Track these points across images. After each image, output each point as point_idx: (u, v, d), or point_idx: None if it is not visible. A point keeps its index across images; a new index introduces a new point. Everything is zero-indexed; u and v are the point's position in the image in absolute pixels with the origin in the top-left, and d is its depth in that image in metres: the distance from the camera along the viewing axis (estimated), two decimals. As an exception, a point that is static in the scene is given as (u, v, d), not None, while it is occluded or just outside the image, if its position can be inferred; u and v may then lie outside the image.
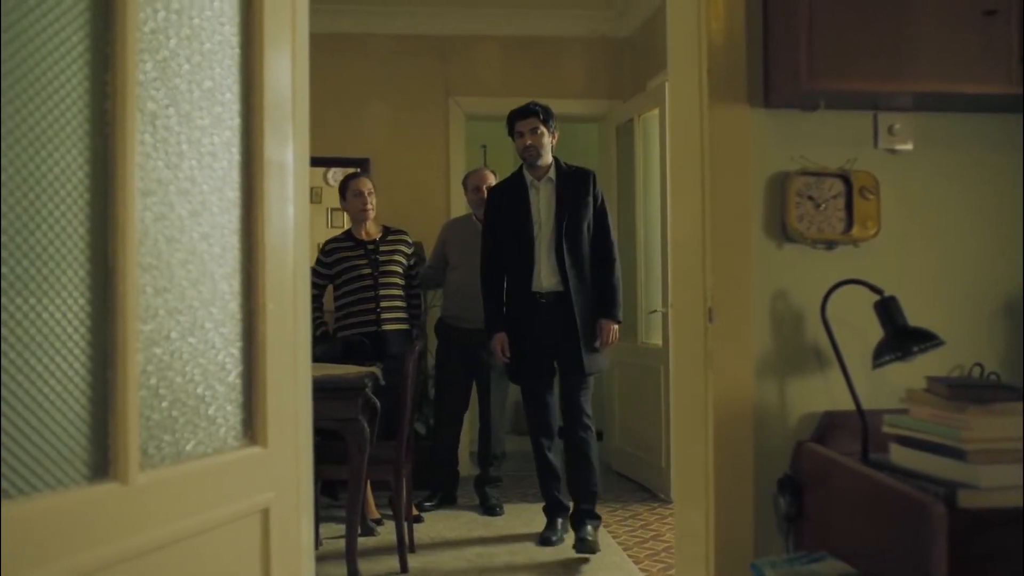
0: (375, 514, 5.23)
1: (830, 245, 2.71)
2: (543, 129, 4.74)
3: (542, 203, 4.71)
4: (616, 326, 4.71)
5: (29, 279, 1.48)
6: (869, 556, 2.19)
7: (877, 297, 2.50)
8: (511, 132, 4.85)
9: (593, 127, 7.17)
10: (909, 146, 2.74)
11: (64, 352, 1.56)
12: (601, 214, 4.73)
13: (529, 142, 4.73)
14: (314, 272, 5.22)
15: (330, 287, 5.51)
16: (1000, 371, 2.60)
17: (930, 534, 1.92)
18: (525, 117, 4.77)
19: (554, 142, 4.83)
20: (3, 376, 1.42)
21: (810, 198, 2.68)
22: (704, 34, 2.69)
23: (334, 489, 5.68)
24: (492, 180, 5.72)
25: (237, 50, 2.07)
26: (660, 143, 5.80)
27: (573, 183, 4.72)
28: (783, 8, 2.55)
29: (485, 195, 5.49)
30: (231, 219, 2.04)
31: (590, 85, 6.85)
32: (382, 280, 5.34)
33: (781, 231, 2.70)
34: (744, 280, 2.68)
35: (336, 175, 6.61)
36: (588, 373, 4.66)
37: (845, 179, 2.69)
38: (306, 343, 2.34)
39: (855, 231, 2.69)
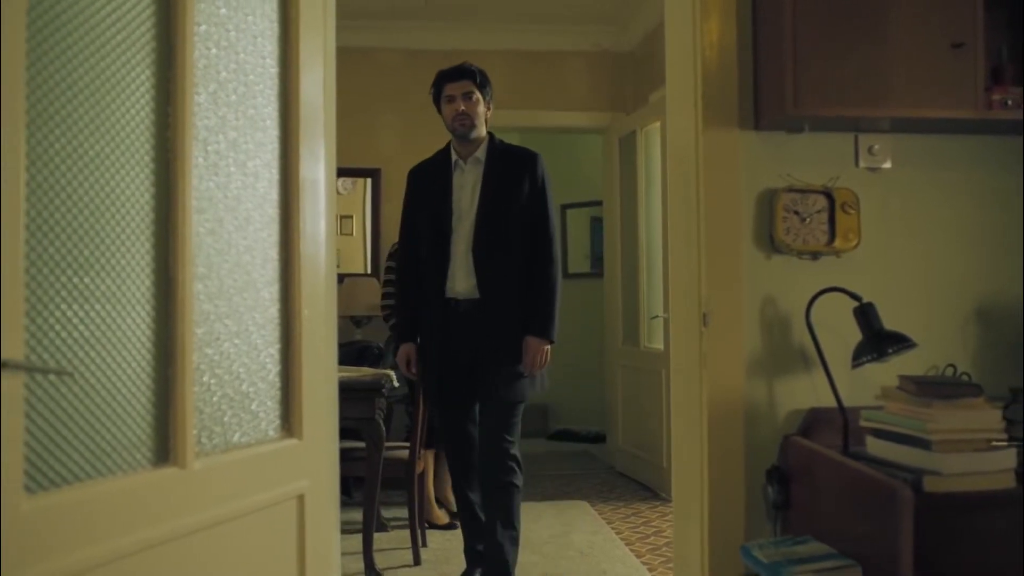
0: (442, 519, 5.19)
1: (814, 256, 2.95)
2: (479, 96, 3.78)
3: (465, 188, 3.77)
4: (548, 346, 3.69)
5: (106, 288, 1.72)
6: (847, 537, 2.43)
7: (856, 303, 2.73)
8: (437, 98, 3.87)
9: (597, 138, 7.38)
10: (887, 165, 2.99)
11: (134, 352, 1.80)
12: (539, 202, 3.73)
13: (462, 108, 3.74)
14: (388, 282, 5.29)
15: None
16: (971, 371, 2.84)
17: (898, 515, 2.15)
18: (458, 78, 3.80)
19: (489, 115, 3.86)
20: (86, 374, 1.66)
21: (796, 213, 2.91)
22: (699, 64, 2.94)
23: (347, 487, 5.86)
24: None
25: (276, 81, 2.31)
26: (662, 155, 5.96)
27: (506, 165, 3.75)
28: (770, 41, 2.80)
29: None
30: (271, 233, 2.28)
31: (593, 98, 7.04)
32: None
33: (770, 243, 2.94)
34: (736, 288, 2.92)
35: (347, 185, 6.83)
36: (504, 402, 3.68)
37: (828, 195, 2.93)
38: (334, 345, 2.58)
39: (837, 243, 2.92)
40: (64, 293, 1.61)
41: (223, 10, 2.08)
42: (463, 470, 3.92)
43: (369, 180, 6.84)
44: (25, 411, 1.51)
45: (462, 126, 3.76)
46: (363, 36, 6.65)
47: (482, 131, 3.81)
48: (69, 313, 1.62)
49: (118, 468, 1.75)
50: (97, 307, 1.70)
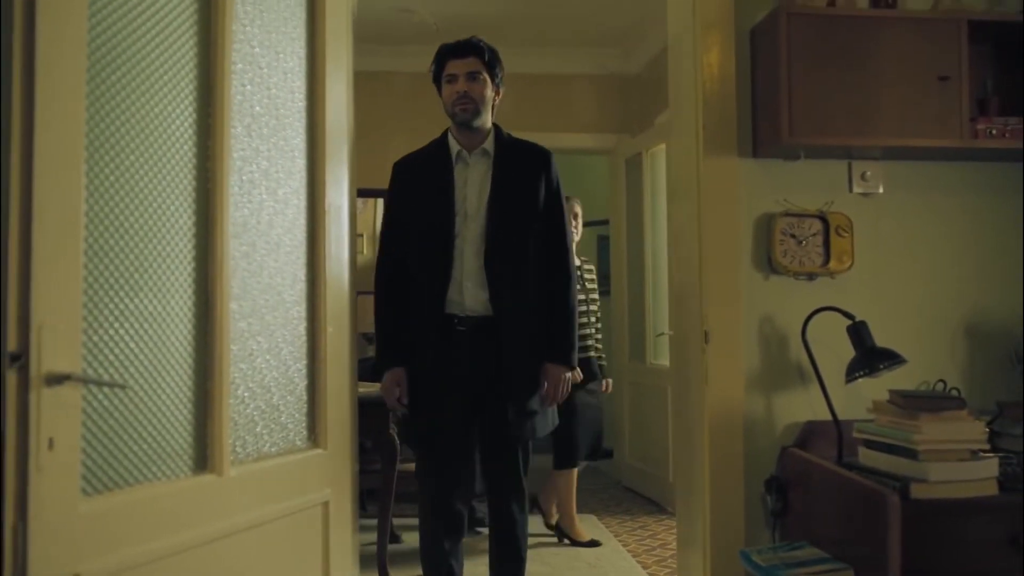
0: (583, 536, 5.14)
1: (810, 277, 3.10)
2: (486, 76, 3.12)
3: (471, 184, 3.12)
4: (569, 374, 3.13)
5: (152, 308, 1.89)
6: (841, 542, 2.57)
7: (849, 322, 2.88)
8: (438, 77, 3.20)
9: (603, 159, 7.52)
10: (879, 190, 3.14)
11: (176, 367, 1.97)
12: (555, 205, 3.17)
13: (463, 89, 3.08)
14: None
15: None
16: (961, 386, 2.97)
17: (887, 520, 2.30)
18: (463, 54, 3.12)
19: (498, 101, 3.23)
20: (135, 388, 1.82)
21: (792, 236, 3.07)
22: (700, 95, 3.10)
23: (362, 501, 5.96)
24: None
25: (304, 114, 2.48)
26: (667, 175, 6.04)
27: (519, 159, 3.16)
28: (767, 74, 2.97)
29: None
30: (299, 255, 2.44)
31: (600, 120, 7.16)
32: (590, 307, 5.08)
33: (767, 264, 3.10)
34: (735, 307, 3.07)
35: (359, 205, 6.97)
36: (520, 440, 3.10)
37: (823, 219, 3.09)
38: (354, 361, 2.72)
39: (832, 264, 3.08)
40: (116, 313, 1.78)
41: (257, 49, 2.25)
42: (444, 517, 3.14)
43: (381, 200, 6.99)
44: (82, 420, 1.67)
45: (463, 111, 3.09)
46: (376, 61, 6.80)
47: (487, 119, 3.16)
48: (121, 331, 1.79)
49: (163, 474, 1.92)
50: (145, 326, 1.86)
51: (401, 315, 3.11)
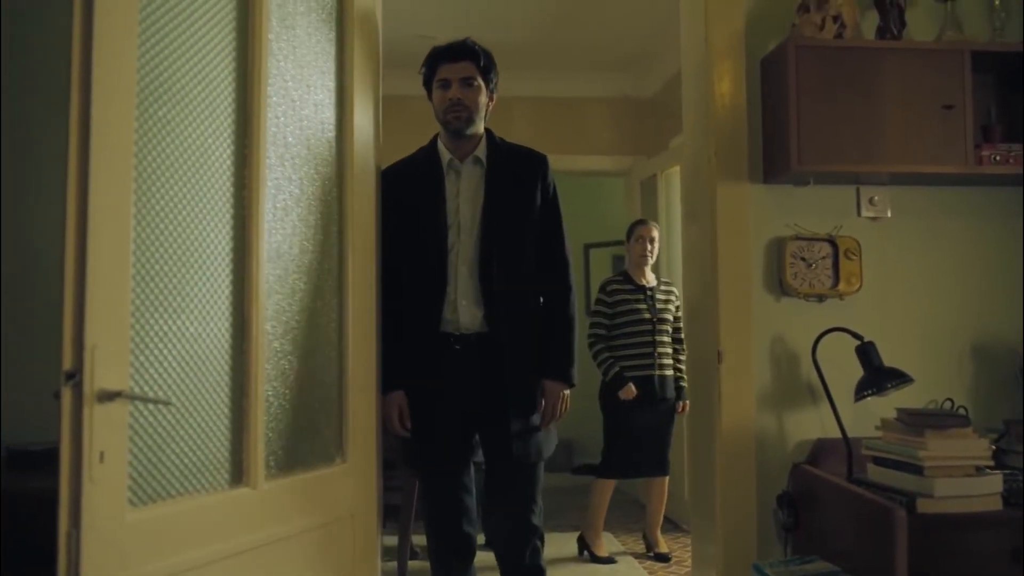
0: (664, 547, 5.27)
1: (820, 298, 3.20)
2: (480, 83, 2.94)
3: (464, 195, 2.95)
4: (567, 391, 2.95)
5: (192, 329, 2.00)
6: (850, 555, 2.65)
7: (858, 342, 2.97)
8: (428, 81, 3.02)
9: (619, 181, 7.62)
10: (887, 214, 3.24)
11: (214, 385, 2.07)
12: (551, 215, 3.00)
13: (457, 96, 2.90)
14: (598, 312, 5.13)
15: None
16: (967, 404, 3.06)
17: (894, 534, 2.38)
18: (456, 58, 2.94)
19: (491, 108, 3.02)
20: (176, 404, 1.92)
21: (803, 259, 3.17)
22: (712, 123, 3.21)
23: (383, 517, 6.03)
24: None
25: (333, 145, 2.58)
26: (681, 197, 6.10)
27: (513, 166, 2.99)
28: (776, 104, 3.07)
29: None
30: (331, 280, 2.53)
31: (616, 142, 7.26)
32: (659, 327, 5.04)
33: (778, 286, 3.20)
34: (747, 328, 3.17)
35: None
36: (522, 460, 2.90)
37: (832, 243, 3.19)
38: (377, 380, 2.80)
39: (841, 287, 3.18)
40: (161, 333, 1.88)
41: (290, 83, 2.36)
42: (450, 540, 3.00)
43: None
44: (129, 435, 1.77)
45: (456, 119, 2.92)
46: (394, 84, 6.90)
47: (480, 126, 2.99)
48: (164, 351, 1.89)
49: (202, 487, 2.01)
50: (186, 345, 1.96)
51: (397, 335, 2.88)
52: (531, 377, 2.91)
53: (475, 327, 2.88)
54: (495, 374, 2.86)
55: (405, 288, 2.92)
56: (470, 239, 2.90)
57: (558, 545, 5.49)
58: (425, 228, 2.92)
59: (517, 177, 2.96)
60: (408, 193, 2.95)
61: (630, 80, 7.21)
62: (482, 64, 2.94)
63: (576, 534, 5.37)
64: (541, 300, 2.99)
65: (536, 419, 2.92)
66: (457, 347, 2.88)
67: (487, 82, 2.96)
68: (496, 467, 2.96)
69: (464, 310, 2.88)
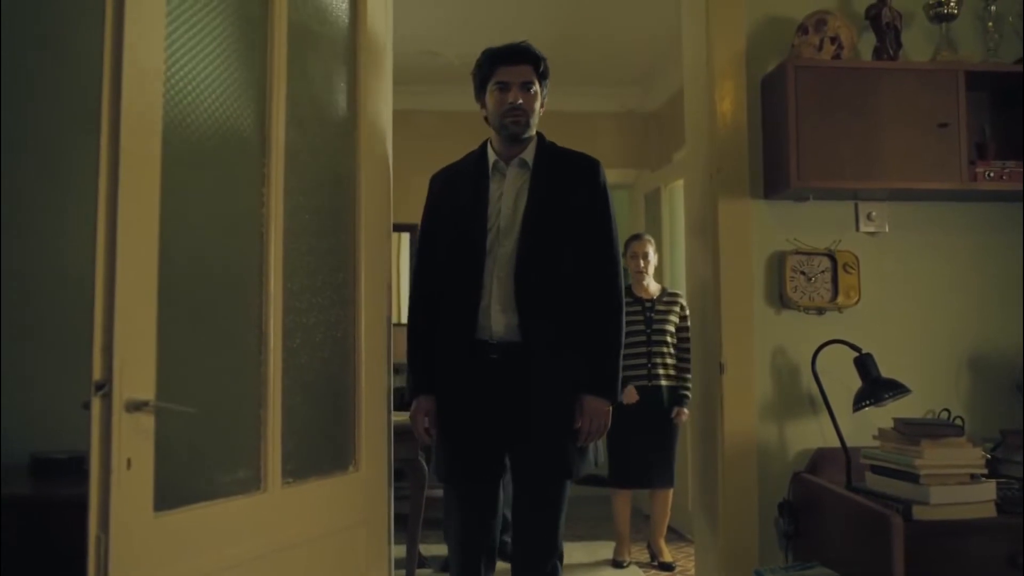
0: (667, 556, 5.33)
1: (819, 311, 3.27)
2: (538, 88, 2.86)
3: (506, 197, 2.84)
4: (609, 408, 2.77)
5: (215, 343, 2.06)
6: (849, 562, 2.72)
7: (856, 354, 3.05)
8: (483, 83, 2.91)
9: (623, 194, 7.69)
10: (885, 229, 3.32)
11: (234, 395, 2.14)
12: (601, 220, 2.84)
13: (519, 100, 2.81)
14: None
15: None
16: (964, 415, 3.14)
17: (890, 540, 2.45)
18: (517, 61, 2.85)
19: (542, 113, 2.92)
20: (202, 414, 2.00)
21: (803, 273, 3.25)
22: (714, 140, 3.30)
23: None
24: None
25: (349, 157, 2.66)
26: (685, 210, 6.18)
27: (561, 171, 2.87)
28: (776, 122, 3.16)
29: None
30: (343, 295, 2.61)
31: (620, 155, 7.32)
32: (654, 338, 5.13)
33: (779, 300, 3.28)
34: (749, 340, 3.25)
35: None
36: (554, 478, 2.80)
37: (831, 257, 3.27)
38: (390, 392, 2.87)
39: (840, 300, 3.25)
40: (183, 346, 1.96)
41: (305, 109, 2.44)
42: (472, 554, 2.86)
43: (407, 235, 7.15)
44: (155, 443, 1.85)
45: (515, 123, 2.81)
46: (400, 99, 6.98)
47: (533, 131, 2.90)
48: (188, 362, 1.97)
49: (222, 493, 2.09)
50: (207, 357, 2.04)
51: (430, 339, 2.88)
52: (565, 392, 2.74)
53: (509, 336, 2.74)
54: (522, 387, 2.72)
55: (444, 292, 2.86)
56: (509, 242, 2.78)
57: (566, 554, 5.51)
58: (465, 230, 2.83)
59: (564, 181, 2.84)
60: (452, 195, 2.92)
61: (635, 95, 7.29)
62: (540, 69, 2.87)
63: (576, 544, 5.45)
64: (581, 310, 2.78)
65: (565, 435, 2.74)
66: (493, 356, 2.75)
67: (543, 88, 2.88)
68: (523, 484, 2.84)
69: (496, 316, 2.75)
